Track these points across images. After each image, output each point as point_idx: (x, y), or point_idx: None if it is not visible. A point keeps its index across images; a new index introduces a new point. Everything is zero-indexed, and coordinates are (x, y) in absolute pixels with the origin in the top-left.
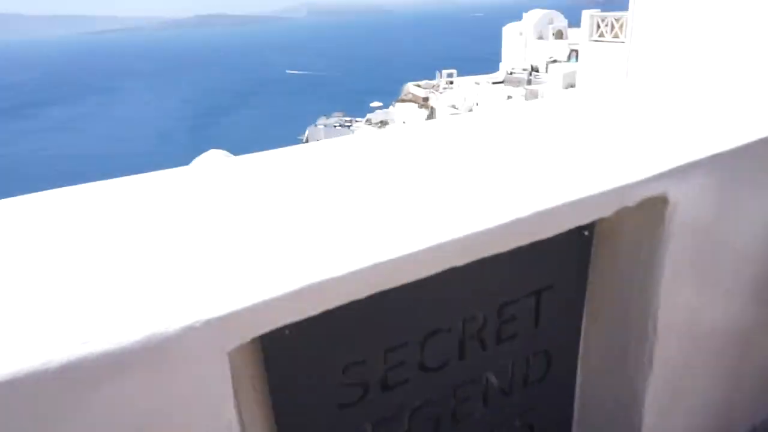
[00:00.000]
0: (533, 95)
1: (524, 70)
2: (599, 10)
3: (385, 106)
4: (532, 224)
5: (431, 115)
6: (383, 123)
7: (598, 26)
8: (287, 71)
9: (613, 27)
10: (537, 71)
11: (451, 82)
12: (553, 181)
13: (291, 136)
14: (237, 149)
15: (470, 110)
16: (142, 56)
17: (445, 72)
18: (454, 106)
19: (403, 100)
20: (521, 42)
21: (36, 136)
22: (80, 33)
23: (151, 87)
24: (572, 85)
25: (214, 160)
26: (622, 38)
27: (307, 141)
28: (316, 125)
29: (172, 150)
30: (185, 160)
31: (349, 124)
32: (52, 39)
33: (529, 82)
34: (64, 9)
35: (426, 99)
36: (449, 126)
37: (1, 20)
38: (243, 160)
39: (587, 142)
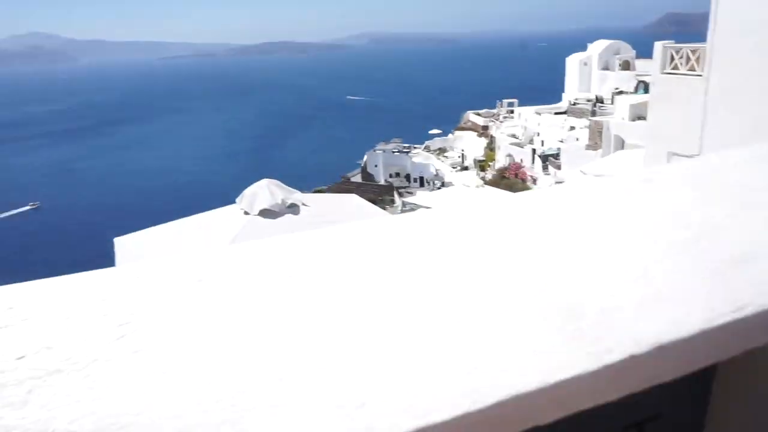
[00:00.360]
0: (598, 126)
1: (588, 101)
2: (673, 41)
3: (445, 134)
4: (651, 365)
5: (491, 144)
6: (441, 150)
7: (672, 58)
8: (347, 97)
9: (689, 59)
10: (602, 102)
11: (512, 112)
12: (674, 300)
13: (350, 161)
14: (296, 171)
15: (530, 140)
16: (212, 80)
17: (505, 101)
18: (514, 136)
19: (463, 128)
20: (585, 72)
21: (112, 152)
22: (157, 58)
23: (219, 109)
24: (641, 117)
25: (265, 187)
26: (698, 71)
27: (365, 166)
28: (374, 150)
29: (234, 170)
30: (245, 180)
31: (407, 150)
32: (131, 63)
33: (593, 113)
34: (143, 36)
35: (486, 128)
36: (513, 206)
37: (86, 46)
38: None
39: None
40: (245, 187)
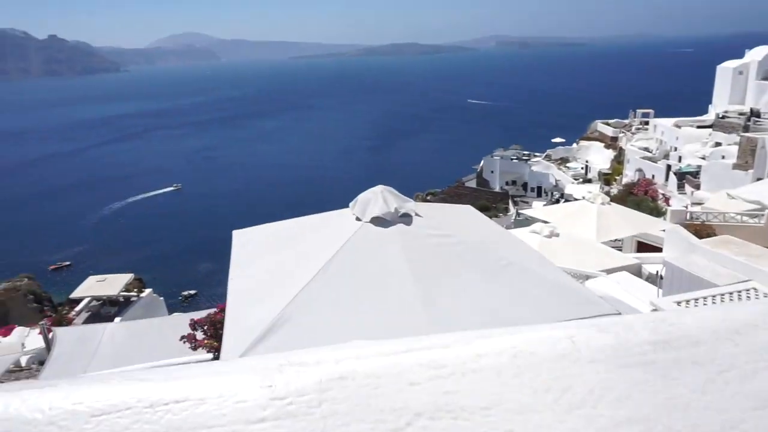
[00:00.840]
0: (751, 144)
1: (741, 114)
2: None
3: (568, 143)
4: None
5: (619, 156)
6: (564, 160)
7: None
8: (469, 100)
9: None
10: (758, 116)
11: (646, 123)
12: None
13: (466, 165)
14: (411, 171)
15: (666, 155)
16: (340, 79)
17: (639, 111)
18: (646, 149)
19: (589, 138)
20: (740, 82)
21: (244, 143)
22: (291, 57)
23: (343, 107)
24: None
25: (379, 194)
26: None
27: (481, 171)
28: (492, 156)
29: (351, 167)
30: (361, 179)
31: (526, 158)
32: (266, 61)
33: (746, 128)
34: (280, 36)
35: (614, 139)
36: None
37: (229, 45)
38: None
39: None
40: (361, 185)
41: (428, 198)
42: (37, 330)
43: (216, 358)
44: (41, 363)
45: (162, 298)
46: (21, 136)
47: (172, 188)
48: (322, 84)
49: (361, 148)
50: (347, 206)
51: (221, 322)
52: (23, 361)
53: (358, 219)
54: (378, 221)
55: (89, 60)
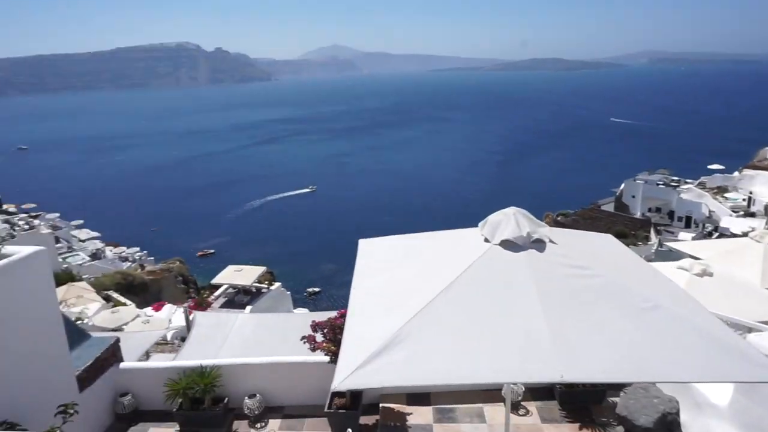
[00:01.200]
0: None
1: None
2: None
3: (729, 170)
4: None
5: None
6: (721, 189)
7: None
8: (612, 119)
9: None
10: None
11: None
12: None
13: (603, 187)
14: (543, 189)
15: None
16: (475, 92)
17: None
18: None
19: (756, 167)
20: None
21: (377, 151)
22: (429, 70)
23: (476, 120)
24: None
25: (512, 217)
26: None
27: (621, 194)
28: (634, 180)
29: (480, 180)
30: (489, 195)
31: (675, 184)
32: (405, 73)
33: None
34: (421, 49)
35: None
36: None
37: (372, 57)
38: None
39: None
40: (488, 200)
41: (559, 218)
42: (182, 309)
43: (333, 362)
44: (182, 339)
45: (289, 292)
46: (187, 137)
47: (307, 190)
48: (457, 97)
49: (491, 162)
50: (474, 222)
51: (340, 328)
52: (168, 335)
53: (486, 240)
54: (508, 245)
55: (247, 70)
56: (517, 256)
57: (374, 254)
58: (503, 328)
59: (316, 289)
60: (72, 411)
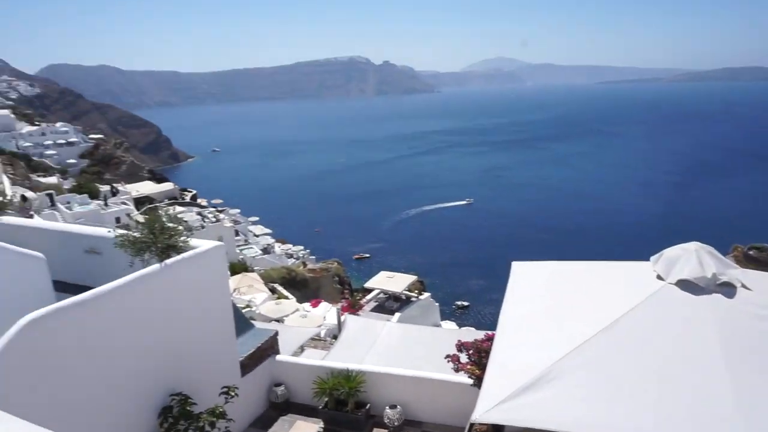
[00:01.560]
0: None
1: None
2: None
3: None
4: None
5: None
6: None
7: None
8: None
9: None
10: None
11: None
12: None
13: None
14: (728, 215)
15: None
16: (651, 106)
17: None
18: None
19: None
20: None
21: (536, 165)
22: (598, 82)
23: (650, 136)
24: None
25: (693, 254)
26: None
27: None
28: None
29: (649, 203)
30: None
31: None
32: (571, 86)
33: None
34: (589, 60)
35: None
36: None
37: (536, 69)
38: None
39: None
40: (662, 231)
41: (751, 252)
42: (335, 308)
43: (476, 386)
44: (334, 337)
45: (437, 304)
46: (352, 145)
47: (463, 202)
48: (630, 110)
49: (667, 183)
50: (642, 253)
51: (486, 352)
52: (321, 332)
53: (659, 278)
54: (686, 285)
55: (411, 82)
56: (698, 300)
57: (528, 279)
58: (674, 380)
59: (465, 303)
60: (233, 393)
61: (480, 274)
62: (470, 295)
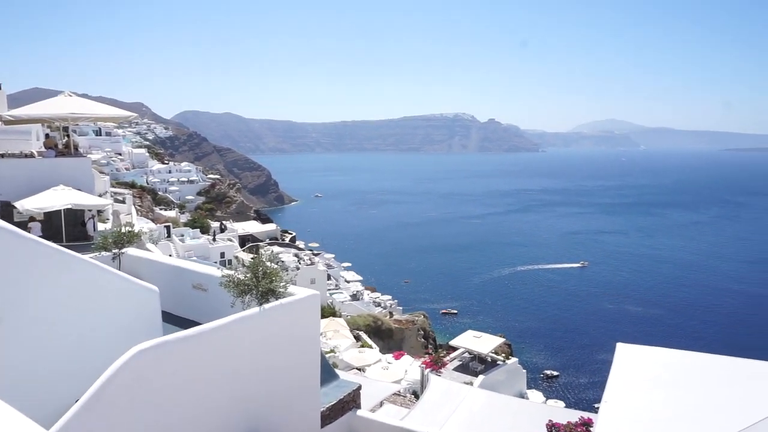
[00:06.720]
0: None
1: None
2: None
3: None
4: None
5: None
6: None
7: None
8: None
9: None
10: None
11: None
12: None
13: None
14: None
15: None
16: None
17: None
18: None
19: None
20: None
21: (646, 232)
22: (722, 149)
23: None
24: None
25: None
26: None
27: None
28: None
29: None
30: None
31: None
32: (691, 152)
33: None
34: (712, 126)
35: None
36: None
37: (651, 132)
38: None
39: None
40: None
41: None
42: (418, 363)
43: None
44: (414, 394)
45: (525, 370)
46: (448, 197)
47: (579, 264)
48: (760, 180)
49: None
50: (761, 349)
51: None
52: (402, 387)
53: None
54: None
55: (515, 140)
56: None
57: (636, 365)
58: None
59: (554, 373)
60: None
61: (575, 345)
62: (563, 365)
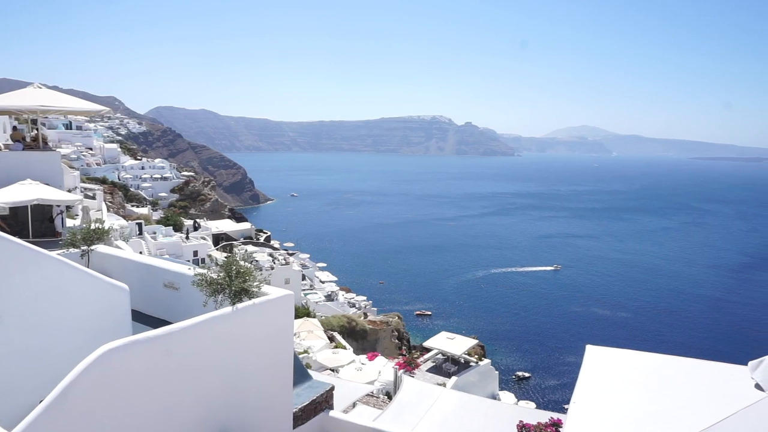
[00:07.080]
0: None
1: None
2: None
3: None
4: None
5: None
6: None
7: None
8: None
9: None
10: None
11: None
12: None
13: None
14: None
15: None
16: (751, 185)
17: None
18: None
19: None
20: None
21: (614, 237)
22: (691, 158)
23: (744, 217)
24: None
25: None
26: None
27: None
28: None
29: (747, 291)
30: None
31: None
32: (659, 159)
33: None
34: (681, 134)
35: None
36: None
37: (623, 140)
38: None
39: None
40: (752, 330)
41: None
42: (391, 365)
43: None
44: (386, 395)
45: (497, 372)
46: (424, 199)
47: (553, 267)
48: (727, 188)
49: (763, 272)
50: (736, 352)
51: None
52: (375, 388)
53: (759, 387)
54: None
55: (491, 144)
56: None
57: (604, 366)
58: None
59: (526, 375)
60: None
61: (546, 346)
62: (534, 367)
